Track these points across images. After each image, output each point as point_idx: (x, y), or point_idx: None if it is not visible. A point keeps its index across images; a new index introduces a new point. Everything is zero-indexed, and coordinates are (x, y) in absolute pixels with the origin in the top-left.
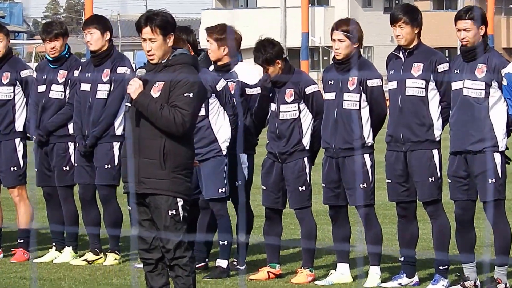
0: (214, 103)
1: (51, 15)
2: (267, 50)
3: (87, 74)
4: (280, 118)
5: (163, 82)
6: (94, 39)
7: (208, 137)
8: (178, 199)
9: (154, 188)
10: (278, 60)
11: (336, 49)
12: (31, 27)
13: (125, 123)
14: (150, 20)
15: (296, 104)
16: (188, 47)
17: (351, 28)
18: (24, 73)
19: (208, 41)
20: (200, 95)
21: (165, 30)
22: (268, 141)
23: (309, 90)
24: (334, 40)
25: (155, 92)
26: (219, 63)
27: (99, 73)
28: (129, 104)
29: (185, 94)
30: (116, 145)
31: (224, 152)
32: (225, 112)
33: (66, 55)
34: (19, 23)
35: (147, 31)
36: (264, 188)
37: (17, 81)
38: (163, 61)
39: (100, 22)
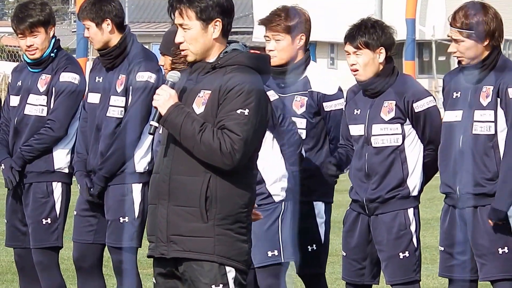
0: None
1: None
2: (374, 32)
3: (97, 78)
4: (373, 145)
5: (210, 91)
6: (92, 35)
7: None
8: (227, 268)
9: (191, 251)
10: (382, 48)
11: (454, 52)
12: None
13: (152, 153)
14: None
15: (399, 126)
16: None
17: (475, 21)
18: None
19: (269, 38)
20: (261, 113)
21: (204, 11)
22: (352, 184)
23: (420, 105)
24: (452, 39)
25: (198, 106)
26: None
27: (112, 80)
28: (156, 123)
29: (238, 111)
30: (137, 188)
31: (278, 198)
32: (274, 139)
33: (52, 54)
34: None
35: (176, 14)
36: (344, 254)
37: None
38: (209, 60)
39: (93, 9)
